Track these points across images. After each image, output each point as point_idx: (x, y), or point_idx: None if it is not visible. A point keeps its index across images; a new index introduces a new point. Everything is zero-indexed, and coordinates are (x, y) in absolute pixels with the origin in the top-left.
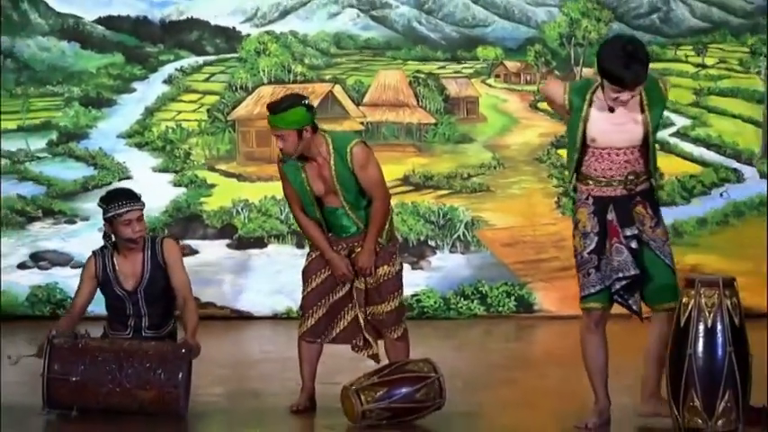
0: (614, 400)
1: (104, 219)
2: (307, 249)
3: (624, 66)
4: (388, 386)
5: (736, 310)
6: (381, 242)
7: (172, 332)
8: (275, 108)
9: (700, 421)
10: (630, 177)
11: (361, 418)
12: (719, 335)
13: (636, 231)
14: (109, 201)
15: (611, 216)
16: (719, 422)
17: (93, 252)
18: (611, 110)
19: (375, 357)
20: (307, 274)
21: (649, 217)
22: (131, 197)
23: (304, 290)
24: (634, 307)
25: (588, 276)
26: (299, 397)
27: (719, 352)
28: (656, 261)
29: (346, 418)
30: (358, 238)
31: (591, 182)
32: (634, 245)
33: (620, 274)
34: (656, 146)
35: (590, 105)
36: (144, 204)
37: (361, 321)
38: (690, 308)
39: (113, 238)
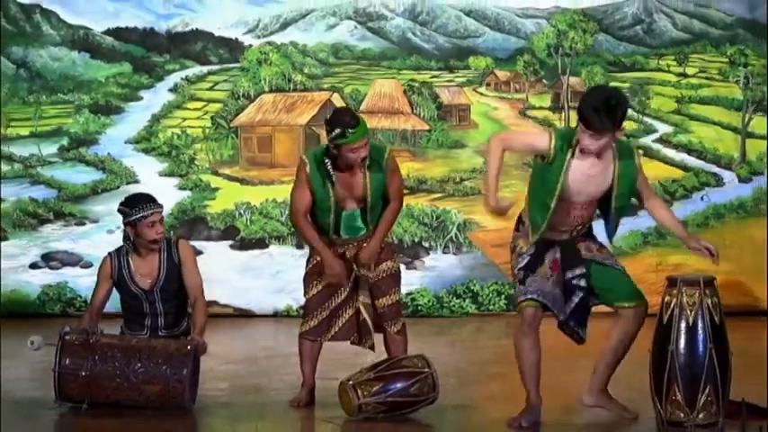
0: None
1: (127, 222)
2: (307, 250)
3: (595, 109)
4: (384, 381)
5: (716, 308)
6: (386, 240)
7: (186, 331)
8: (354, 122)
9: (681, 414)
10: (579, 228)
11: (358, 412)
12: (700, 332)
13: (583, 270)
14: (132, 205)
15: (556, 255)
16: (700, 415)
17: (109, 253)
18: (582, 151)
19: (372, 347)
20: (309, 278)
21: (595, 246)
22: (153, 201)
23: (306, 292)
24: (580, 334)
25: (523, 284)
26: (300, 392)
27: (700, 348)
28: (611, 270)
29: (344, 411)
30: (367, 237)
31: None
32: (583, 283)
33: (562, 313)
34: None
35: (572, 156)
36: (163, 207)
37: (363, 311)
38: (672, 306)
39: (132, 240)
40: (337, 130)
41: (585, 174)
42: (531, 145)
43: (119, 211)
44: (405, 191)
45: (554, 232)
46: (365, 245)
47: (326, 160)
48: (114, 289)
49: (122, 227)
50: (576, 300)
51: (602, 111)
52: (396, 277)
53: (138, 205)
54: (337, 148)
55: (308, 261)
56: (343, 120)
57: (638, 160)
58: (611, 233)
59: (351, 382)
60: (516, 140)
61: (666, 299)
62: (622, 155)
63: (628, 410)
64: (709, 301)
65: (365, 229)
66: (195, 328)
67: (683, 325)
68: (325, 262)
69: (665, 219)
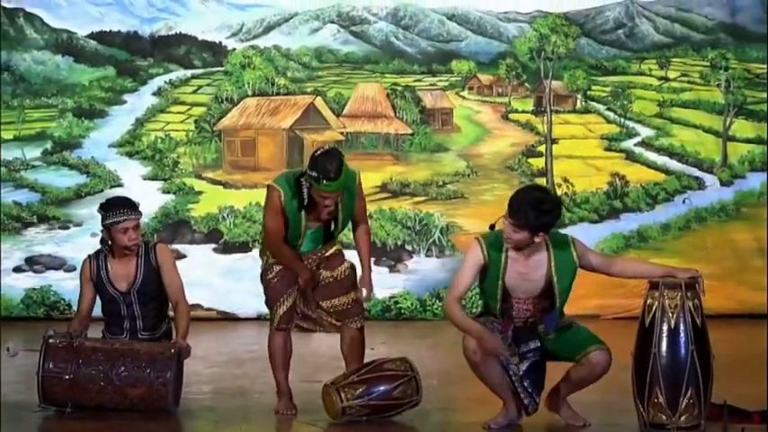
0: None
1: (102, 225)
2: None
3: (526, 203)
4: (367, 384)
5: (698, 311)
6: (338, 246)
7: (167, 332)
8: (334, 176)
9: (663, 417)
10: (530, 320)
11: (342, 414)
12: (682, 334)
13: (538, 344)
14: (108, 209)
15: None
16: (683, 417)
17: (89, 255)
18: (517, 249)
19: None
20: (266, 275)
21: (552, 330)
22: (130, 206)
23: (268, 286)
24: (535, 399)
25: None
26: (280, 402)
27: (682, 351)
28: (567, 331)
29: (327, 414)
30: (323, 248)
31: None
32: (538, 355)
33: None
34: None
35: (506, 254)
36: (141, 214)
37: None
38: (654, 309)
39: (110, 243)
40: (314, 173)
41: (520, 272)
42: (473, 267)
43: (98, 212)
44: (387, 194)
45: (509, 320)
46: (325, 255)
47: (304, 188)
48: None
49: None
50: (530, 359)
51: (531, 207)
52: (352, 276)
53: (112, 210)
54: (310, 185)
55: (266, 271)
56: (325, 167)
57: (577, 249)
58: (549, 327)
59: (334, 385)
60: (461, 282)
61: (648, 302)
62: (556, 248)
63: (579, 418)
64: (691, 304)
65: (321, 243)
66: (178, 331)
67: (664, 328)
68: (298, 271)
69: (640, 271)
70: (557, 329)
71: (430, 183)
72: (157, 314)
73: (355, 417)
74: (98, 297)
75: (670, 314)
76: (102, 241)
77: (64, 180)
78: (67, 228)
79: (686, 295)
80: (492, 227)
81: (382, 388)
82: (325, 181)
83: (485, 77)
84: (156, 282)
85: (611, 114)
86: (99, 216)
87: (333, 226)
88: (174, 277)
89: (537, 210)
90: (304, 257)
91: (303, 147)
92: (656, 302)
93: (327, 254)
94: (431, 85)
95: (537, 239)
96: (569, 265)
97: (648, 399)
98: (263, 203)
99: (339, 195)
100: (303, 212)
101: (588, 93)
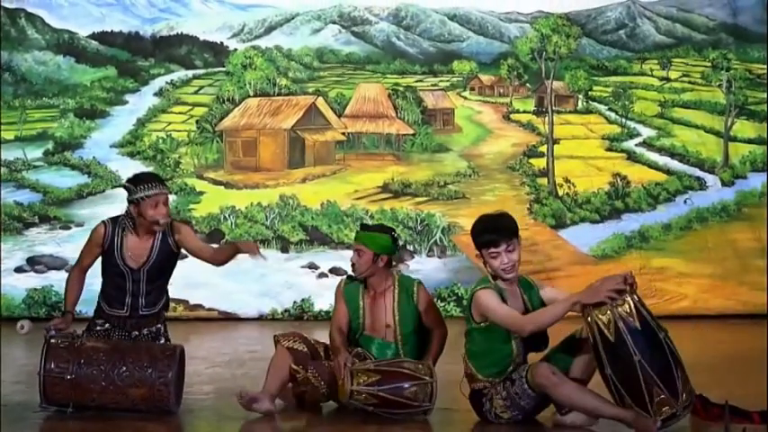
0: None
1: (130, 200)
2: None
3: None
4: (382, 376)
5: (640, 301)
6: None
7: (166, 305)
8: (368, 227)
9: (670, 408)
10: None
11: (349, 397)
12: (651, 329)
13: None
14: (138, 183)
15: None
16: (683, 396)
17: (104, 221)
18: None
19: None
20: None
21: None
22: (160, 181)
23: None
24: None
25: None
26: (262, 404)
27: (658, 340)
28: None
29: (338, 394)
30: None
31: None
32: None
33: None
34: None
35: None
36: (169, 190)
37: None
38: (611, 323)
39: (134, 219)
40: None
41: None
42: (487, 308)
43: (123, 187)
44: (389, 194)
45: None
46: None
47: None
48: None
49: (126, 204)
50: None
51: (491, 228)
52: None
53: (143, 184)
54: None
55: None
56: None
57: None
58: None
59: (350, 368)
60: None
61: (600, 320)
62: (523, 286)
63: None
64: (636, 298)
65: (391, 354)
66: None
67: (635, 332)
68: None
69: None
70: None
71: (431, 183)
72: (160, 290)
73: (362, 404)
74: (102, 266)
75: (632, 318)
76: (127, 216)
77: (65, 180)
78: (69, 228)
79: (631, 294)
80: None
81: (395, 384)
82: (359, 230)
83: (486, 78)
84: (168, 261)
85: (612, 115)
86: (101, 216)
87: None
88: (201, 247)
89: (495, 226)
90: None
91: (304, 147)
92: (609, 316)
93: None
94: (432, 85)
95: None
96: (535, 294)
97: (651, 401)
98: (264, 204)
99: (364, 251)
100: (363, 305)
101: (589, 93)
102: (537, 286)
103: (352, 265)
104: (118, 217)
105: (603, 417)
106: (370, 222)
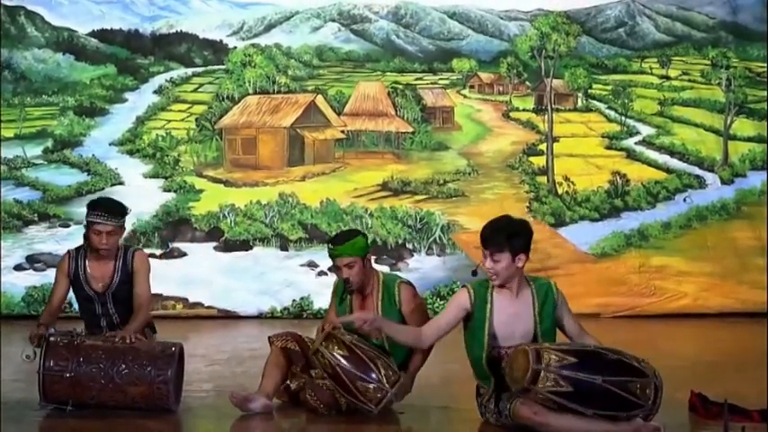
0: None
1: (86, 221)
2: (291, 252)
3: (489, 232)
4: (351, 354)
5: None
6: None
7: (149, 325)
8: (339, 239)
9: (647, 388)
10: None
11: (313, 354)
12: (590, 353)
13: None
14: (91, 207)
15: None
16: (646, 366)
17: (68, 251)
18: (502, 285)
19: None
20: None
21: None
22: (111, 212)
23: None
24: None
25: None
26: (257, 403)
27: (589, 348)
28: None
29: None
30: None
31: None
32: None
33: None
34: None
35: (492, 303)
36: (121, 222)
37: None
38: (547, 371)
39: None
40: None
41: (509, 313)
42: (456, 308)
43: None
44: (388, 192)
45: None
46: None
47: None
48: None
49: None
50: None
51: (502, 229)
52: None
53: (93, 210)
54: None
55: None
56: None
57: (559, 297)
58: None
59: (332, 331)
60: (438, 318)
61: (546, 387)
62: (540, 293)
63: None
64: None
65: None
66: (131, 323)
67: (576, 368)
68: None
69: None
70: None
71: (431, 181)
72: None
73: (320, 366)
74: (73, 293)
75: (568, 359)
76: (84, 237)
77: (65, 178)
78: (68, 226)
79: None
80: (474, 272)
81: (354, 370)
82: (332, 246)
83: (486, 76)
84: (130, 286)
85: (611, 113)
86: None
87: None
88: (144, 284)
89: (508, 228)
90: None
91: (304, 145)
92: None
93: None
94: (432, 83)
95: (519, 264)
96: (551, 308)
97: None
98: (264, 202)
99: (353, 262)
100: (348, 305)
101: (589, 91)
102: (559, 304)
103: (346, 280)
104: (81, 246)
105: None
106: (357, 229)
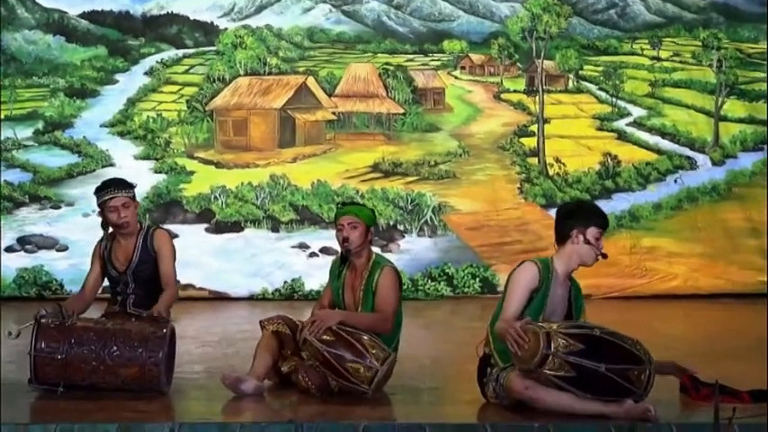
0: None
1: (99, 207)
2: (282, 233)
3: (594, 212)
4: (336, 338)
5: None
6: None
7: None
8: (351, 202)
9: (643, 374)
10: None
11: (302, 344)
12: (592, 339)
13: None
14: (98, 190)
15: None
16: (641, 350)
17: (102, 236)
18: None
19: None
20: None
21: None
22: (118, 186)
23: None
24: None
25: None
26: (249, 384)
27: (602, 339)
28: None
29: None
30: None
31: None
32: None
33: None
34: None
35: (552, 281)
36: (131, 193)
37: None
38: (553, 357)
39: (106, 224)
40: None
41: (558, 294)
42: (526, 289)
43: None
44: (380, 174)
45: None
46: None
47: None
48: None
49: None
50: None
51: (592, 207)
52: None
53: (101, 190)
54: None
55: None
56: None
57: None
58: None
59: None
60: (512, 303)
61: (552, 372)
62: (573, 284)
63: None
64: (554, 326)
65: None
66: (159, 302)
67: (582, 355)
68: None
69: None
70: None
71: (422, 162)
72: (149, 295)
73: (308, 355)
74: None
75: (572, 347)
76: (103, 224)
77: (56, 160)
78: (59, 207)
79: (552, 332)
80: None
81: (342, 352)
82: (343, 206)
83: (477, 57)
84: (151, 266)
85: (602, 94)
86: (92, 196)
87: None
88: (167, 264)
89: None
90: None
91: (295, 127)
92: (549, 355)
93: None
94: (423, 64)
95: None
96: (579, 291)
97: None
98: (254, 183)
99: (359, 224)
100: (341, 284)
101: (580, 72)
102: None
103: (345, 239)
104: (112, 231)
105: (587, 414)
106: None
